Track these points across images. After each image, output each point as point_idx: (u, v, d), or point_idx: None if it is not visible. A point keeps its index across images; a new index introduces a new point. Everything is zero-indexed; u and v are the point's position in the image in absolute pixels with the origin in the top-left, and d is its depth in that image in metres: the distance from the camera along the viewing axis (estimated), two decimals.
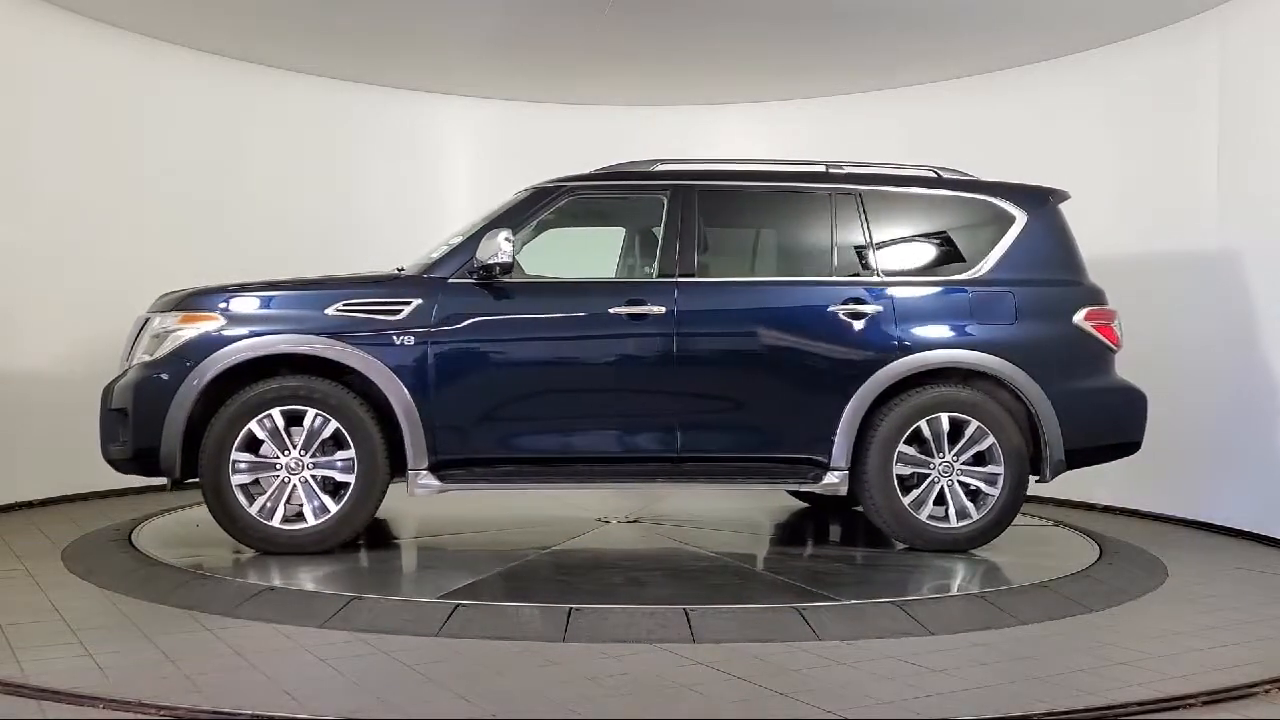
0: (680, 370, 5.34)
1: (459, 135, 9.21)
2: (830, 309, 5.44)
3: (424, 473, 5.20)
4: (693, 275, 5.43)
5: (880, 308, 5.46)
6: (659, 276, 5.46)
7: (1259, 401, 6.33)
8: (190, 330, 5.19)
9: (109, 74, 7.47)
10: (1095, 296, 5.70)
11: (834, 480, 5.39)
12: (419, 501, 7.01)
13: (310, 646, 3.87)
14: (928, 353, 5.45)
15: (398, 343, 5.19)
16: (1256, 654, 4.01)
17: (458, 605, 4.23)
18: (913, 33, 7.28)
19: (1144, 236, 7.13)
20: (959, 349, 5.50)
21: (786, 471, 5.47)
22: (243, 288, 5.34)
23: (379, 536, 6.07)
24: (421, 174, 8.99)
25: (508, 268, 5.22)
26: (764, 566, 5.46)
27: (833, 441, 5.38)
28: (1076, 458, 5.60)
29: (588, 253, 6.29)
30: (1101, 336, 5.62)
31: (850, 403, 5.38)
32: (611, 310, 5.34)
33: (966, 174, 5.96)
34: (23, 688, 3.37)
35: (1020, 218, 5.72)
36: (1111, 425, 5.68)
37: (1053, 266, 5.72)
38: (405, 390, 5.17)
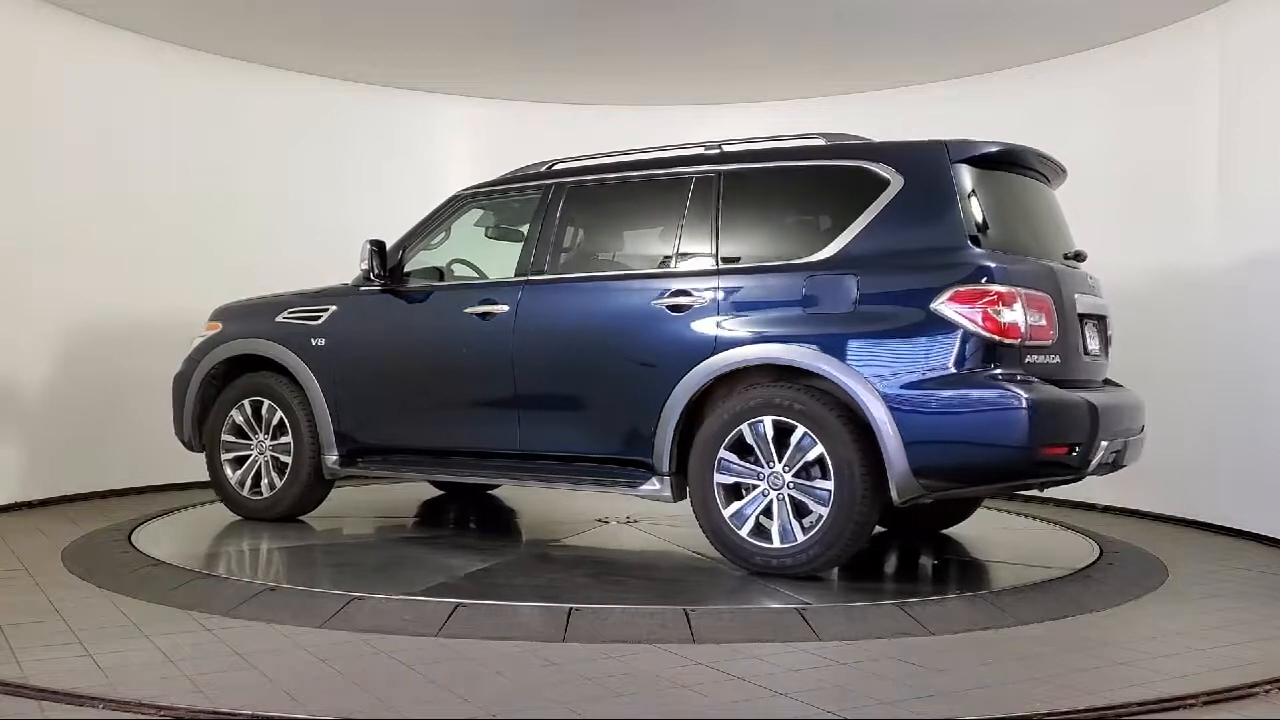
0: (516, 368, 5.34)
1: (459, 135, 9.21)
2: (654, 303, 5.06)
3: (331, 458, 5.87)
4: (542, 274, 5.40)
5: (704, 300, 4.94)
6: (515, 276, 5.49)
7: (1259, 401, 6.33)
8: (205, 335, 6.33)
9: (109, 74, 7.46)
10: (968, 275, 4.49)
11: (657, 487, 5.01)
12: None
13: (310, 646, 3.87)
14: (741, 348, 4.83)
15: (314, 344, 5.92)
16: (1256, 654, 4.00)
17: (458, 605, 4.22)
18: (912, 33, 7.28)
19: (1142, 236, 7.13)
20: (776, 343, 4.77)
21: (619, 474, 5.15)
22: (237, 303, 6.38)
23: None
24: (422, 174, 8.97)
25: (367, 275, 5.72)
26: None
27: (654, 445, 4.99)
28: (938, 477, 4.54)
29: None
30: (971, 325, 4.44)
31: (667, 403, 4.95)
32: (465, 311, 5.50)
33: (857, 138, 5.19)
34: (23, 688, 3.37)
35: (894, 183, 4.76)
36: (978, 439, 4.45)
37: (937, 238, 4.66)
38: (318, 386, 5.88)
